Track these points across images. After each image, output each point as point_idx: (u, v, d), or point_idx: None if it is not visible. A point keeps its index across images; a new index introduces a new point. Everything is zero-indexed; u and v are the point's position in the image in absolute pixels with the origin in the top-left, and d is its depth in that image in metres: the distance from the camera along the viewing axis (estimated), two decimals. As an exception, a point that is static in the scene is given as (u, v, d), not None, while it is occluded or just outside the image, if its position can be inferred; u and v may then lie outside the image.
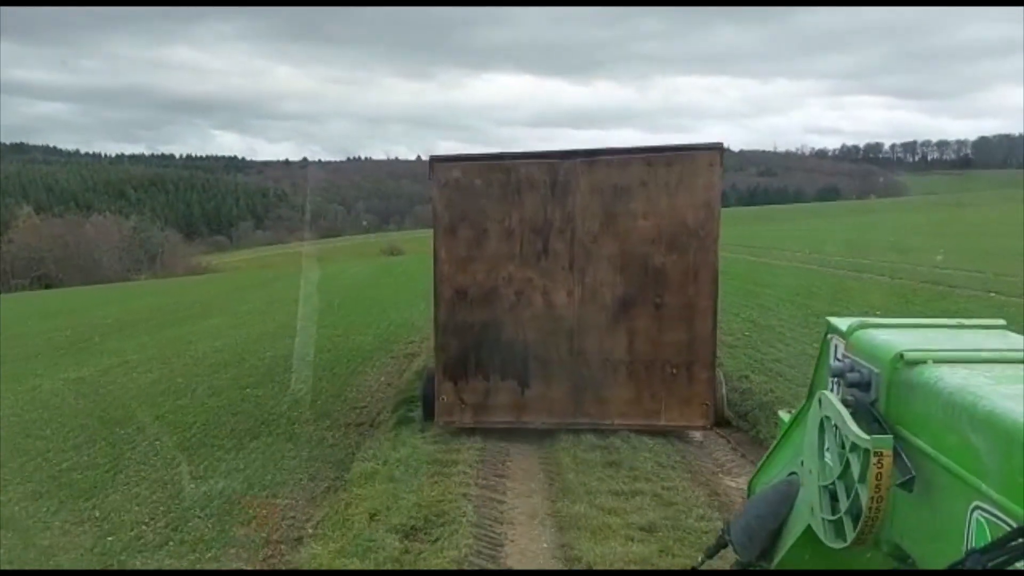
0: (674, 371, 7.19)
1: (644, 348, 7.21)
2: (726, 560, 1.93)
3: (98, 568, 5.13)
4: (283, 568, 5.02)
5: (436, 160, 7.36)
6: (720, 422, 7.46)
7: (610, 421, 7.25)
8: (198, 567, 5.06)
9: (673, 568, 4.22)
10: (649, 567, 4.33)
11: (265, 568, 5.05)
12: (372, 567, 4.46)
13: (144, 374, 12.32)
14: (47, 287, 45.03)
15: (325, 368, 11.49)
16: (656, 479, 6.06)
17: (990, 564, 0.85)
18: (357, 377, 11.14)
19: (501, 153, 7.60)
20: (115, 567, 5.17)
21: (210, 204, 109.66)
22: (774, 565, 1.68)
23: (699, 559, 2.00)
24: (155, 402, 10.23)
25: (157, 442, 8.27)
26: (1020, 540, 0.84)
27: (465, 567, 4.48)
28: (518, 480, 6.42)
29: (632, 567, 4.39)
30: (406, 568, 4.51)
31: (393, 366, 11.70)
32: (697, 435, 7.52)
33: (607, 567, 4.44)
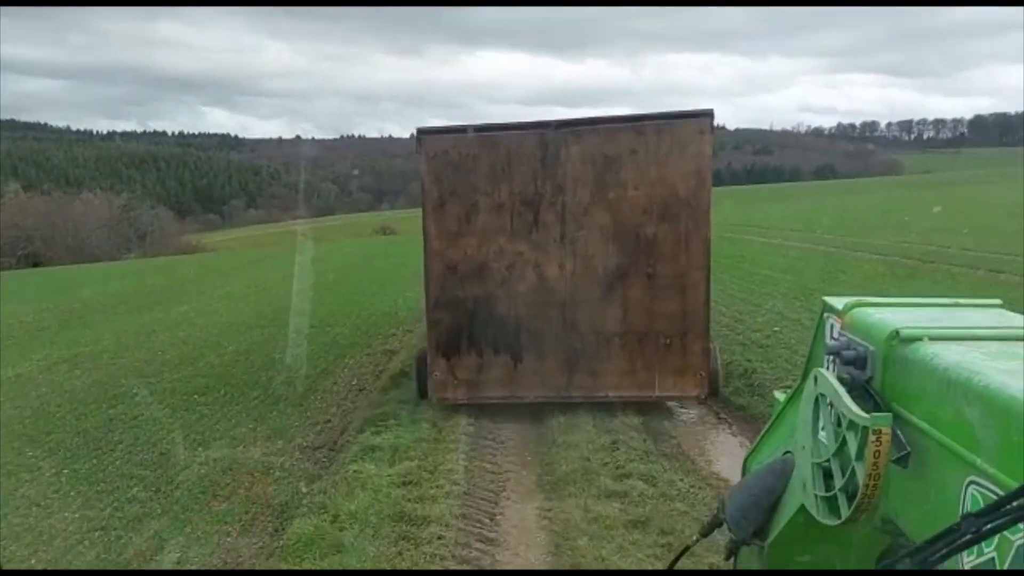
0: (668, 342, 7.18)
1: (637, 319, 7.18)
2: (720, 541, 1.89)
3: None
4: None
5: (423, 132, 7.25)
6: (714, 392, 7.44)
7: (604, 393, 7.24)
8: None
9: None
10: None
11: None
12: None
13: (85, 374, 10.65)
14: (35, 266, 44.51)
15: (291, 368, 10.08)
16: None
17: (985, 527, 0.85)
18: (325, 379, 9.67)
19: (489, 124, 7.47)
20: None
21: (202, 182, 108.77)
22: (768, 542, 1.70)
23: (694, 537, 2.02)
24: (78, 412, 8.58)
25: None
26: (1014, 504, 0.84)
27: None
28: (510, 548, 4.86)
29: None
30: None
31: (369, 365, 10.32)
32: None
33: None
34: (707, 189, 7.02)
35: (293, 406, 8.49)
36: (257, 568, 4.51)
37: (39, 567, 4.94)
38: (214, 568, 4.71)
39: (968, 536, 0.86)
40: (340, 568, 4.24)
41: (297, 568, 4.32)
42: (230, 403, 8.75)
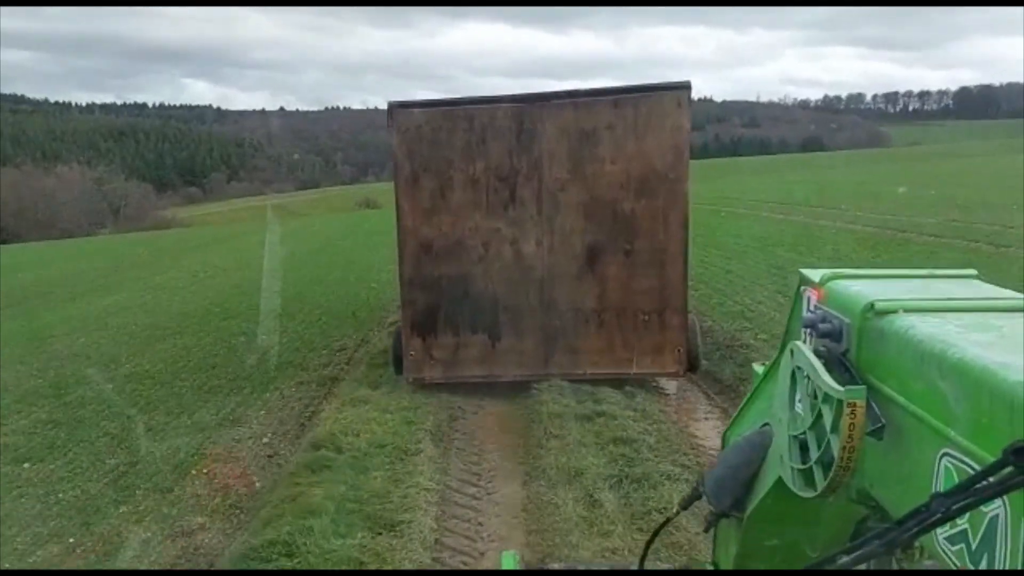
0: (646, 318, 7.13)
1: (615, 296, 7.12)
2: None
3: None
4: None
5: (395, 106, 7.06)
6: (693, 368, 7.42)
7: (582, 371, 7.20)
8: None
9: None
10: None
11: None
12: None
13: None
14: (3, 243, 43.50)
15: (205, 395, 7.88)
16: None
17: (954, 507, 0.85)
18: (242, 421, 7.15)
19: (464, 98, 7.28)
20: None
21: (183, 154, 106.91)
22: (746, 514, 1.72)
23: (674, 510, 2.05)
24: None
25: None
26: (983, 483, 0.84)
27: None
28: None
29: None
30: None
31: (298, 401, 7.72)
32: None
33: None
34: (685, 162, 6.91)
35: (192, 455, 6.23)
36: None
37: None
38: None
39: (938, 515, 0.86)
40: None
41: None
42: (74, 471, 6.13)
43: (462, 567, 4.45)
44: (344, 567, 4.17)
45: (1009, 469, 0.80)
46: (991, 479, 0.83)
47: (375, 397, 7.18)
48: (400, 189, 7.06)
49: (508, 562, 2.55)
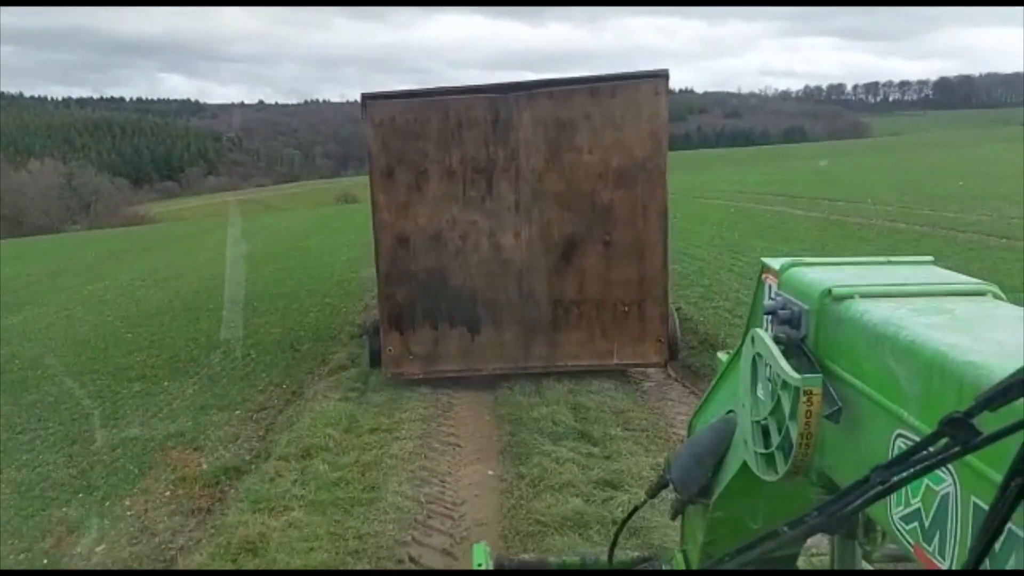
0: (626, 309, 7.10)
1: (594, 287, 7.07)
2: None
3: None
4: None
5: (368, 97, 6.93)
6: (674, 356, 7.41)
7: (563, 363, 7.15)
8: None
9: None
10: None
11: None
12: None
13: None
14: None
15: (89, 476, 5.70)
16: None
17: (893, 479, 0.87)
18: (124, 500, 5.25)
19: (438, 88, 7.16)
20: None
21: (160, 149, 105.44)
22: (712, 500, 1.75)
23: (642, 498, 2.07)
24: None
25: None
26: (922, 453, 0.85)
27: None
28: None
29: None
30: None
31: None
32: None
33: None
34: (663, 152, 6.86)
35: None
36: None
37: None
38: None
39: (877, 487, 0.87)
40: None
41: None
42: None
43: None
44: None
45: (945, 440, 0.81)
46: (930, 449, 0.84)
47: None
48: (375, 183, 6.94)
49: (479, 553, 2.55)
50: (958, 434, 0.80)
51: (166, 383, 8.12)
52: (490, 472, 5.44)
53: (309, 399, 7.17)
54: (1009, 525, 0.82)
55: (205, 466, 5.87)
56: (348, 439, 6.00)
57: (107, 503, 5.35)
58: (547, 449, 5.47)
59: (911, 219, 16.87)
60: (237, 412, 7.13)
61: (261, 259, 17.55)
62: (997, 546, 0.85)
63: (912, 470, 0.86)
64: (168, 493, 5.45)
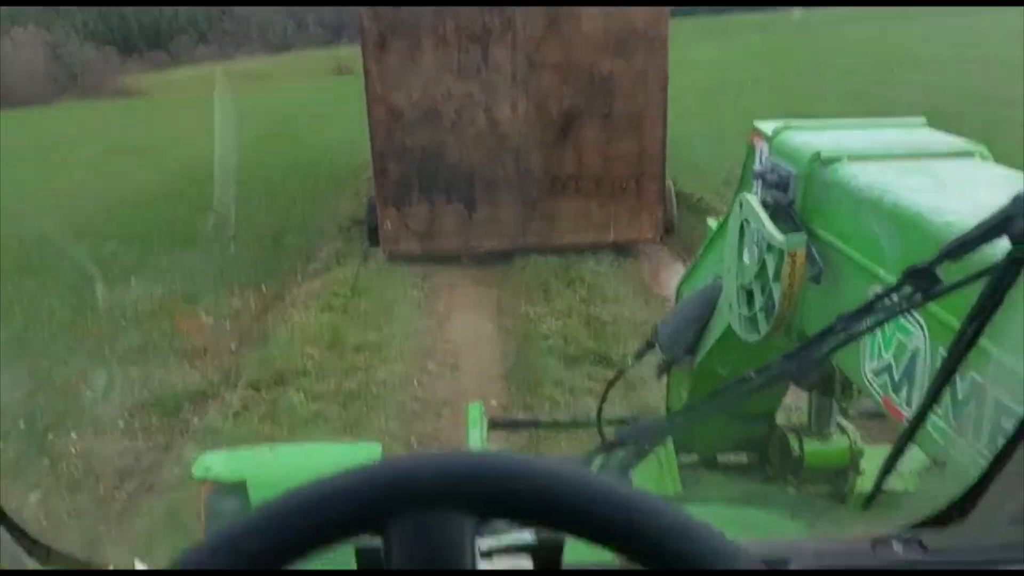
0: (623, 184, 7.05)
1: (592, 162, 7.00)
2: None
3: None
4: None
5: None
6: (669, 231, 7.47)
7: (560, 239, 7.20)
8: None
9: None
10: None
11: None
12: None
13: None
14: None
15: None
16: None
17: (855, 326, 0.89)
18: None
19: None
20: None
21: (147, 16, 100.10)
22: (697, 360, 1.82)
23: (629, 361, 2.13)
24: None
25: None
26: (884, 301, 0.86)
27: None
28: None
29: None
30: None
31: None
32: None
33: None
34: (664, 19, 6.59)
35: None
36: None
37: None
38: None
39: (840, 334, 0.89)
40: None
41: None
42: None
43: None
44: None
45: (908, 289, 0.83)
46: (894, 298, 0.86)
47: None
48: (367, 54, 6.68)
49: (474, 412, 2.61)
50: (920, 284, 0.83)
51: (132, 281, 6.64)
52: (493, 403, 4.57)
53: (288, 305, 6.27)
54: (972, 373, 0.86)
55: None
56: (329, 359, 5.16)
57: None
58: (559, 377, 4.69)
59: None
60: (208, 320, 6.03)
61: (248, 140, 13.60)
62: (960, 393, 0.89)
63: (875, 318, 0.89)
64: (121, 424, 4.53)
